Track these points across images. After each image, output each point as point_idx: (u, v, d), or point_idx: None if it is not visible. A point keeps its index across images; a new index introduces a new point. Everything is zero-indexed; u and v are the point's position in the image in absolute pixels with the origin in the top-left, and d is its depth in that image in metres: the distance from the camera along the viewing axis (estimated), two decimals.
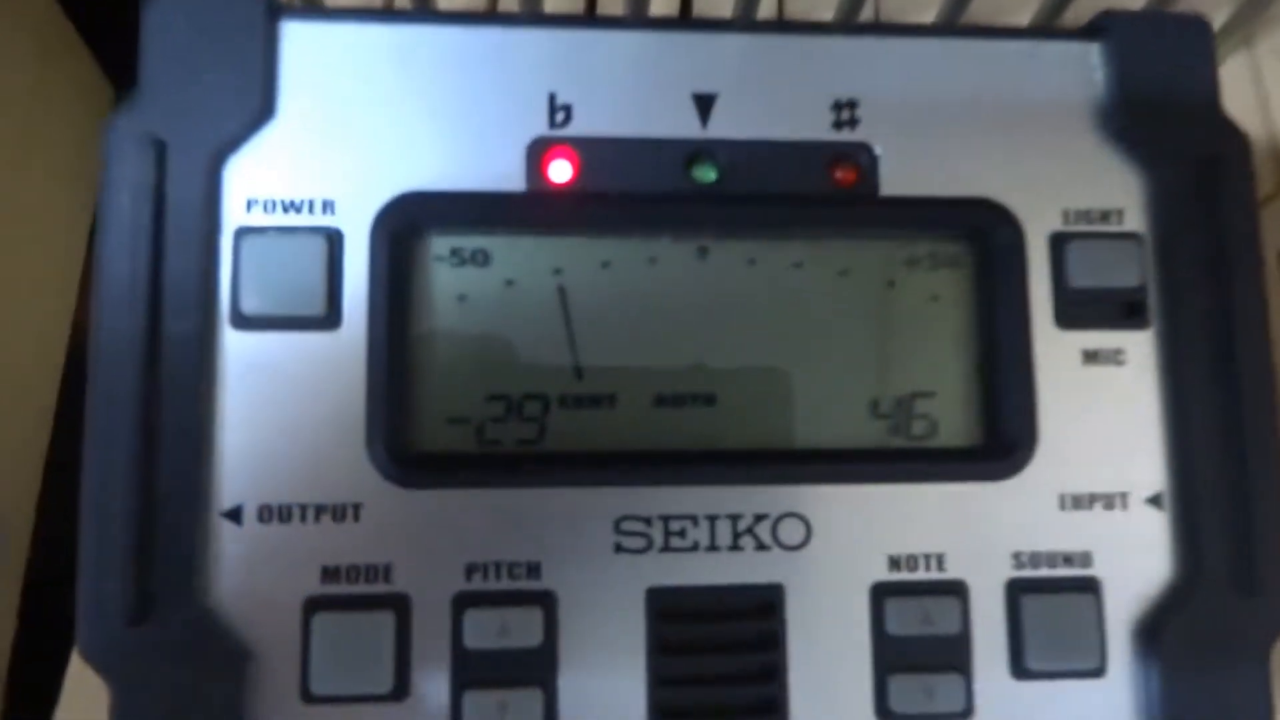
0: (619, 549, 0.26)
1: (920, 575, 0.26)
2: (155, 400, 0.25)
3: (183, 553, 0.24)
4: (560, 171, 0.27)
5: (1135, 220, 0.28)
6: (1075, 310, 0.28)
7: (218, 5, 0.26)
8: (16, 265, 0.37)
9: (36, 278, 0.38)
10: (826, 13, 0.34)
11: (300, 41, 0.26)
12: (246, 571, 0.25)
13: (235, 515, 0.25)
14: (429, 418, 0.26)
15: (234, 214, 0.26)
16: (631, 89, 0.27)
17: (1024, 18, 0.35)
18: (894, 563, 0.26)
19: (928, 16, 0.35)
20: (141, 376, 0.24)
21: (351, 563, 0.25)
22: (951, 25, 0.32)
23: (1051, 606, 0.26)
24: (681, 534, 0.26)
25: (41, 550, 0.36)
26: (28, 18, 0.37)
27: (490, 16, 0.27)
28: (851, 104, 0.28)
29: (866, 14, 0.35)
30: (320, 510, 0.25)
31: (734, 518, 0.26)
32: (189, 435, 0.25)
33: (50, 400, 0.38)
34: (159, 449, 0.24)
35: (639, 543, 0.26)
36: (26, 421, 0.37)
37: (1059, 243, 0.28)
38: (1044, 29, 0.31)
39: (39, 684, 0.33)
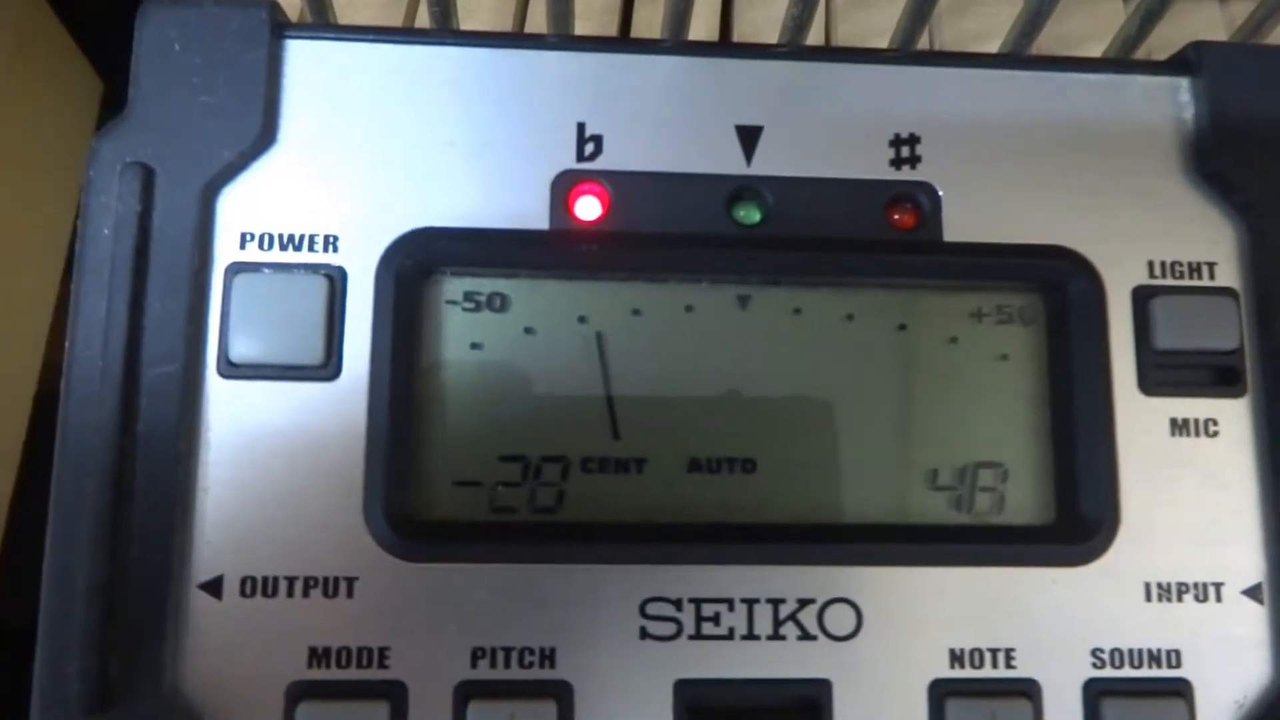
0: (644, 635, 0.23)
1: (986, 673, 0.23)
2: (129, 455, 0.22)
3: (153, 630, 0.22)
4: (588, 208, 0.24)
5: (1229, 274, 0.25)
6: (1162, 374, 0.25)
7: (217, 19, 0.24)
8: (10, 274, 0.34)
9: (6, 302, 0.35)
10: (880, 41, 0.32)
11: (306, 61, 0.24)
12: (224, 652, 0.22)
13: (214, 587, 0.22)
14: (435, 481, 0.24)
15: (226, 249, 0.23)
16: (668, 119, 0.25)
17: (1096, 49, 0.32)
18: (956, 658, 0.23)
19: (991, 47, 0.32)
20: (115, 429, 0.22)
21: (343, 644, 0.22)
22: (1021, 56, 0.29)
23: (1136, 713, 0.23)
24: (715, 620, 0.23)
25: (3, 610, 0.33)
26: (9, 9, 0.35)
27: (514, 38, 0.25)
28: (912, 140, 0.25)
29: (923, 45, 0.32)
30: (310, 584, 0.22)
31: (775, 602, 0.23)
32: (165, 496, 0.22)
33: (15, 446, 0.35)
34: (131, 511, 0.22)
35: (667, 629, 0.23)
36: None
37: (1143, 298, 0.25)
38: (1125, 61, 0.29)
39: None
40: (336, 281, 0.23)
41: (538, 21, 0.31)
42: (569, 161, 0.24)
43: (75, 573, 0.21)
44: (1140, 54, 0.32)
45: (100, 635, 0.21)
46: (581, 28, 0.30)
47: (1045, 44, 0.32)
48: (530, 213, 0.24)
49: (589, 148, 0.24)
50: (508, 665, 0.22)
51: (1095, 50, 0.32)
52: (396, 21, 0.30)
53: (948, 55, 0.26)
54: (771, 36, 0.32)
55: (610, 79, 0.25)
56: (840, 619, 0.23)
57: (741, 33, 0.33)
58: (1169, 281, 0.25)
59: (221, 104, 0.23)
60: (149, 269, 0.23)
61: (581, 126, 0.24)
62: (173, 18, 0.24)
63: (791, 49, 0.26)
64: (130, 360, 0.22)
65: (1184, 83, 0.26)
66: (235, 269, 0.23)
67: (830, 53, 0.25)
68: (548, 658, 0.22)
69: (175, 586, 0.22)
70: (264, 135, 0.23)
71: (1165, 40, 0.32)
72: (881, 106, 0.25)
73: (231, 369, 0.23)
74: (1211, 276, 0.25)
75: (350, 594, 0.22)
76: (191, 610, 0.22)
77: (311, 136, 0.24)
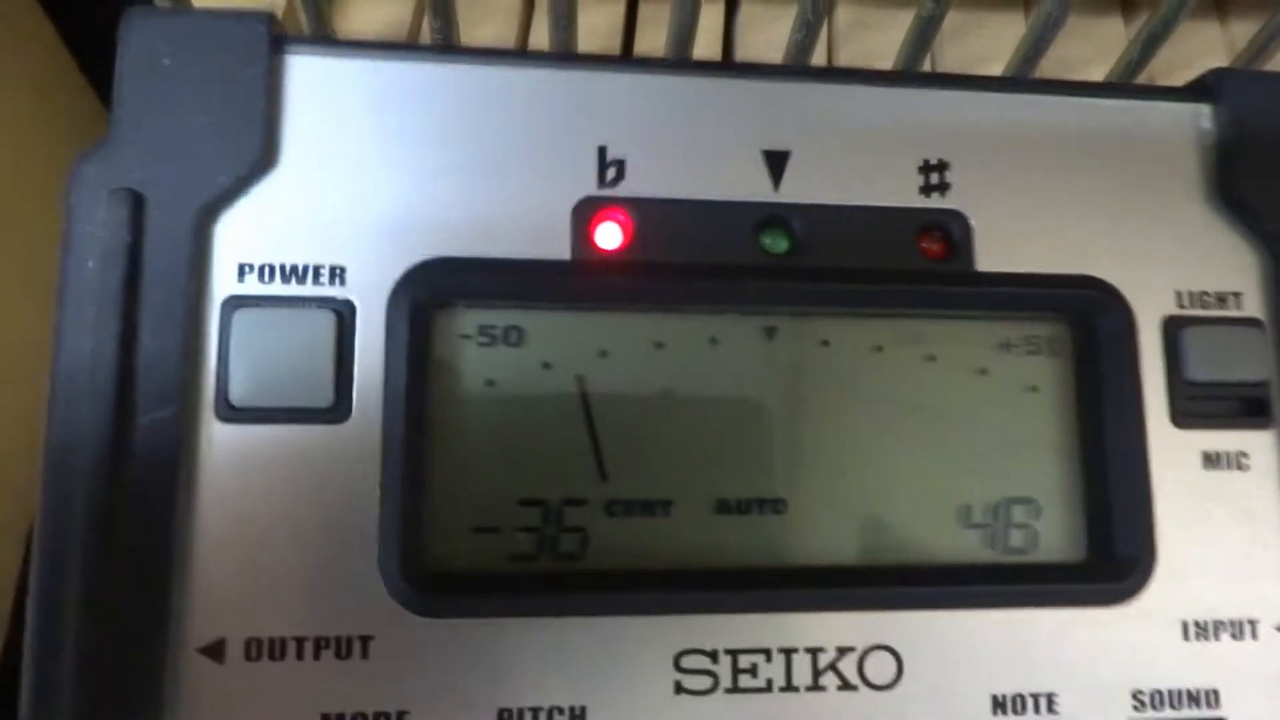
0: (680, 690, 0.22)
1: (1030, 719, 0.22)
2: (120, 509, 0.20)
3: (147, 699, 0.20)
4: (610, 237, 0.23)
5: (1255, 304, 0.25)
6: (1193, 406, 0.24)
7: (210, 31, 0.22)
8: (6, 307, 0.32)
9: (25, 325, 0.33)
10: (883, 64, 0.31)
11: (309, 78, 0.22)
12: None
13: (216, 651, 0.20)
14: (453, 528, 0.22)
15: (224, 282, 0.22)
16: (693, 144, 0.24)
17: (1098, 73, 0.32)
18: (999, 704, 0.22)
19: (993, 71, 0.31)
20: (103, 479, 0.20)
21: (358, 709, 0.21)
22: (1047, 80, 0.29)
23: None
24: (753, 671, 0.22)
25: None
26: (21, 43, 0.33)
27: (533, 55, 0.23)
28: (941, 166, 0.24)
29: (925, 69, 0.32)
30: (321, 644, 0.21)
31: (814, 651, 0.22)
32: (160, 553, 0.20)
33: (35, 468, 0.33)
34: (122, 568, 0.20)
35: (704, 682, 0.22)
36: (8, 487, 0.32)
37: (1173, 328, 0.24)
38: (1146, 87, 0.28)
39: None
40: (345, 316, 0.22)
41: (540, 44, 0.30)
42: (590, 188, 0.23)
43: (61, 637, 0.20)
44: (1142, 78, 0.32)
45: (89, 707, 0.19)
46: (584, 51, 0.29)
47: (1047, 68, 0.31)
48: (549, 241, 0.23)
49: (611, 173, 0.23)
50: None
51: (1097, 74, 0.32)
52: (400, 38, 0.29)
53: (975, 78, 0.25)
54: (774, 60, 0.31)
55: (633, 101, 0.23)
56: (880, 667, 0.22)
57: (743, 56, 0.32)
58: (1197, 312, 0.25)
59: (217, 123, 0.22)
60: (140, 304, 0.21)
61: (603, 150, 0.23)
62: (161, 29, 0.22)
63: (819, 70, 0.25)
64: (121, 403, 0.20)
65: (1205, 109, 0.26)
66: (235, 303, 0.21)
67: (858, 75, 0.24)
68: (579, 717, 0.21)
69: (172, 651, 0.20)
70: (264, 158, 0.22)
71: (1167, 63, 0.32)
72: (910, 131, 0.24)
73: (232, 412, 0.21)
74: (1239, 306, 0.25)
75: (365, 654, 0.21)
76: (191, 676, 0.20)
77: (316, 159, 0.22)
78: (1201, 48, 0.33)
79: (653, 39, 0.31)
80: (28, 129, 0.33)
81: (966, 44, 0.33)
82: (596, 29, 0.31)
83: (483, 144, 0.23)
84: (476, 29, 0.30)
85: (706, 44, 0.31)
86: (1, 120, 0.32)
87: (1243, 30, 0.33)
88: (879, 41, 0.33)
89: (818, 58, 0.33)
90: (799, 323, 0.24)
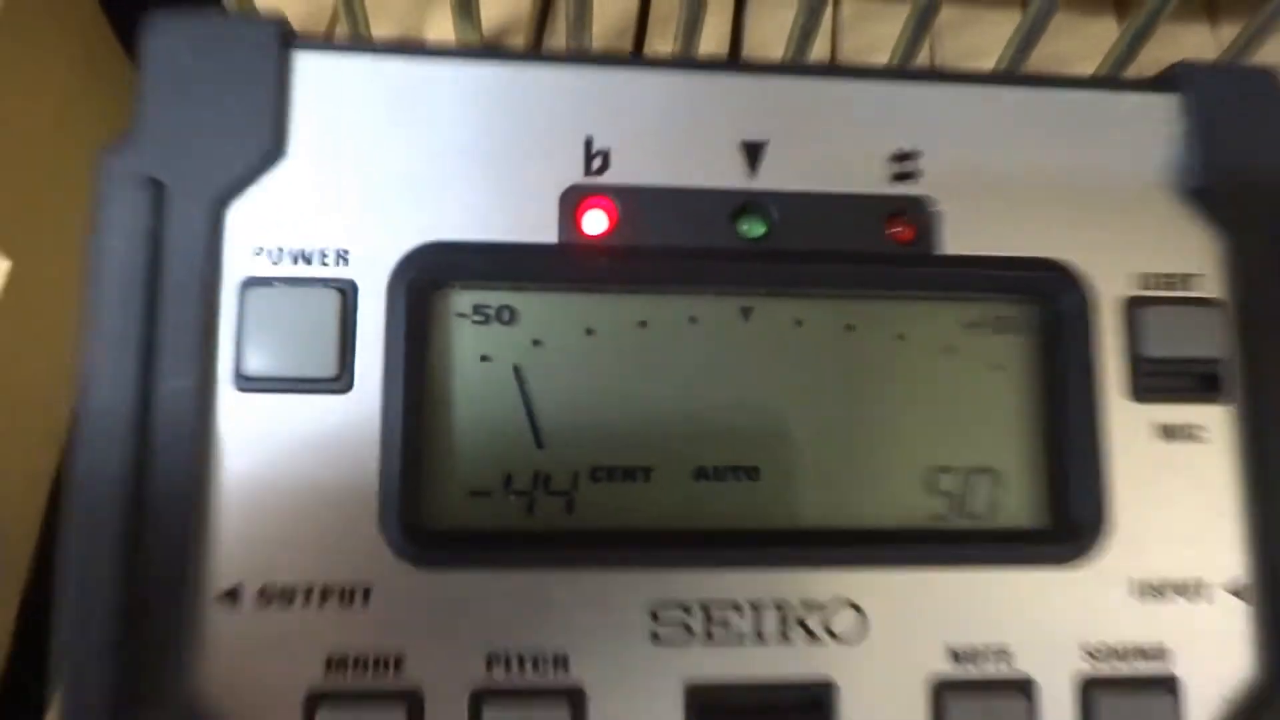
0: (656, 639, 0.23)
1: (985, 671, 0.24)
2: (147, 468, 0.22)
3: (173, 641, 0.22)
4: (596, 222, 0.25)
5: (1214, 286, 0.26)
6: (1151, 382, 0.25)
7: (225, 32, 0.24)
8: (39, 275, 0.34)
9: (58, 290, 0.35)
10: (884, 53, 0.32)
11: (315, 75, 0.24)
12: (243, 661, 0.22)
13: (233, 597, 0.22)
14: (448, 491, 0.24)
15: (239, 264, 0.23)
16: (674, 135, 0.25)
17: (1088, 68, 0.33)
18: (955, 656, 0.24)
19: (989, 63, 0.33)
20: (132, 442, 0.22)
21: (359, 652, 0.22)
22: (1017, 73, 0.30)
23: (1127, 707, 0.24)
24: (725, 624, 0.23)
25: (42, 576, 0.33)
26: (67, 19, 0.35)
27: (524, 54, 0.25)
28: (912, 155, 0.26)
29: (924, 58, 0.33)
30: (326, 592, 0.23)
31: (781, 606, 0.24)
32: (183, 507, 0.22)
33: (63, 419, 0.35)
34: (149, 523, 0.22)
35: (678, 633, 0.23)
36: (35, 437, 0.35)
37: (1132, 308, 0.26)
38: (1115, 79, 0.29)
39: (31, 705, 0.31)
40: (348, 295, 0.24)
41: (557, 41, 0.32)
42: (577, 176, 0.25)
43: (94, 586, 0.22)
44: (1132, 75, 0.33)
45: (121, 647, 0.21)
46: (596, 44, 0.31)
47: (1039, 63, 0.33)
48: (539, 226, 0.24)
49: (596, 162, 0.25)
50: (522, 670, 0.23)
51: (1087, 70, 0.33)
52: (420, 33, 0.30)
53: (946, 73, 0.27)
54: (780, 46, 0.33)
55: (618, 95, 0.25)
56: (845, 621, 0.24)
57: (751, 43, 0.33)
58: (1158, 293, 0.26)
59: (230, 118, 0.24)
60: (162, 284, 0.23)
61: (589, 141, 0.25)
62: (180, 31, 0.24)
63: (795, 66, 0.27)
64: (146, 373, 0.22)
65: (1171, 100, 0.27)
66: (248, 283, 0.23)
67: (833, 70, 0.26)
68: (561, 662, 0.23)
69: (194, 597, 0.22)
70: (274, 149, 0.24)
71: (1158, 62, 0.33)
72: (883, 122, 0.26)
73: (246, 382, 0.23)
74: (1198, 287, 0.26)
75: (366, 602, 0.23)
76: (210, 620, 0.22)
77: (320, 150, 0.24)
78: (1192, 47, 0.34)
79: (663, 33, 0.33)
80: (67, 103, 0.35)
81: (964, 36, 0.35)
82: (610, 27, 0.32)
83: (477, 136, 0.24)
84: (506, 37, 0.32)
85: (715, 28, 0.33)
86: (42, 93, 0.34)
87: (1231, 32, 0.34)
88: (882, 31, 0.34)
89: (822, 48, 0.34)
90: (774, 303, 0.26)
